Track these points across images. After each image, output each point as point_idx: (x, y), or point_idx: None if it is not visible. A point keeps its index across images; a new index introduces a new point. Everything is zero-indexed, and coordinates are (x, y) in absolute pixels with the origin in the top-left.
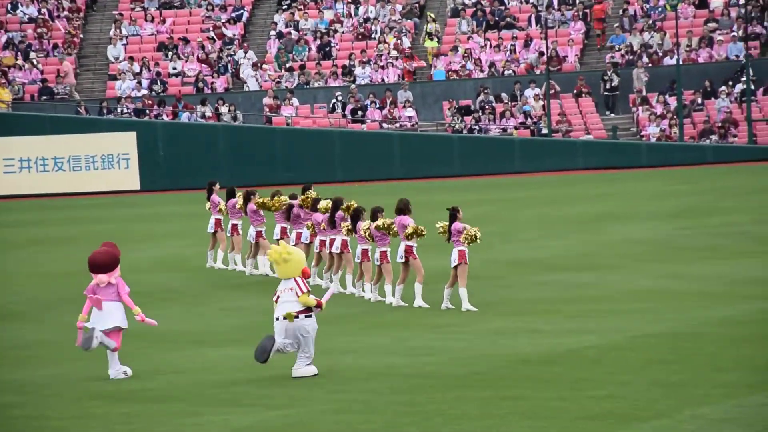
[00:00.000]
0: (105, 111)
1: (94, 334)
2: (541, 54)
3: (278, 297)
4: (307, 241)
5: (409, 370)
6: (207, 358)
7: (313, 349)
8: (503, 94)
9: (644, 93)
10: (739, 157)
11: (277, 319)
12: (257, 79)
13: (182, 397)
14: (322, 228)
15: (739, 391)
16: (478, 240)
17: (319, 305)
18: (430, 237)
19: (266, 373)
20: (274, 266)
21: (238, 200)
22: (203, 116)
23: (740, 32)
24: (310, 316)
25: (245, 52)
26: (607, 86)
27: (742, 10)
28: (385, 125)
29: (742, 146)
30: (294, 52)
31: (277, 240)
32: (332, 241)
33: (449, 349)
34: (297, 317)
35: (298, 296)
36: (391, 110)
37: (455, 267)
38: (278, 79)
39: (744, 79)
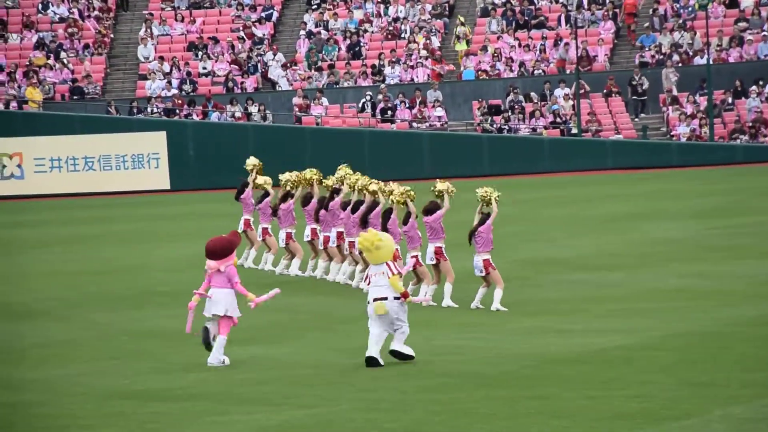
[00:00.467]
0: (135, 111)
1: (209, 330)
2: (567, 46)
3: (369, 280)
4: (335, 244)
5: (437, 369)
6: (235, 356)
7: (407, 328)
8: (533, 94)
9: (674, 92)
10: None
11: (369, 302)
12: (288, 79)
13: (210, 396)
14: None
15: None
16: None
17: (405, 295)
18: (456, 238)
19: (295, 372)
20: (365, 253)
21: (272, 199)
22: (233, 116)
23: None
24: (398, 298)
25: (274, 54)
26: (638, 90)
27: None
28: (414, 125)
29: None
30: (324, 52)
31: (309, 241)
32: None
33: (477, 349)
34: (386, 299)
35: (389, 278)
36: (421, 109)
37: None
38: (308, 79)
39: None
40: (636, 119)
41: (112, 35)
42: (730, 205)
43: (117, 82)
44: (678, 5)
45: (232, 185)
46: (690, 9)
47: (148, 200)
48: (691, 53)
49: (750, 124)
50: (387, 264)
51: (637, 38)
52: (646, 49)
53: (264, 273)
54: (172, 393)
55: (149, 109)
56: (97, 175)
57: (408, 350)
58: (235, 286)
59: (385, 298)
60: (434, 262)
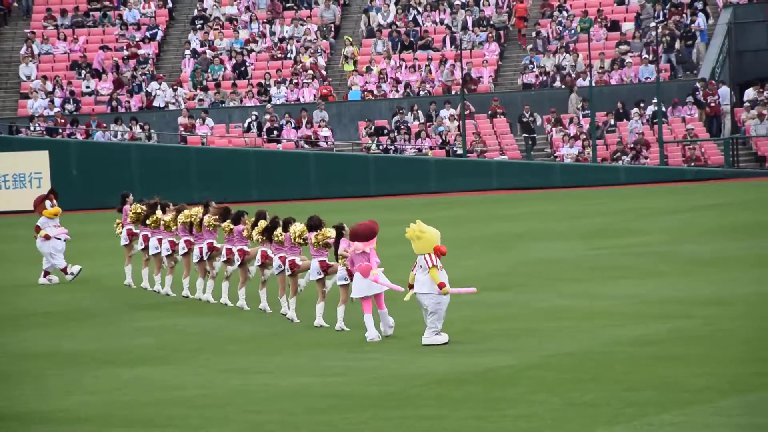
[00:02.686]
0: (16, 130)
1: (388, 322)
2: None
3: (415, 271)
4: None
5: (325, 390)
6: (119, 378)
7: (439, 323)
8: (419, 112)
9: (580, 116)
10: (651, 179)
11: (415, 293)
12: (174, 99)
13: (93, 419)
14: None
15: (649, 409)
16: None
17: (440, 286)
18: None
19: (181, 394)
20: (412, 242)
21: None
22: (117, 135)
23: (650, 56)
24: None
25: (159, 83)
26: (529, 126)
27: (653, 33)
28: (302, 143)
29: (654, 167)
30: (209, 71)
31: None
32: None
33: (364, 369)
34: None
35: (428, 270)
36: (316, 129)
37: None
38: (193, 98)
39: (655, 100)
40: (529, 144)
41: None
42: (613, 226)
43: None
44: (561, 28)
45: (116, 205)
46: (572, 31)
47: (30, 221)
48: (573, 75)
49: (631, 146)
50: (425, 256)
51: (527, 44)
52: (530, 69)
53: (149, 293)
54: (54, 415)
55: (31, 128)
56: None
57: (441, 339)
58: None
59: (424, 293)
60: (320, 277)
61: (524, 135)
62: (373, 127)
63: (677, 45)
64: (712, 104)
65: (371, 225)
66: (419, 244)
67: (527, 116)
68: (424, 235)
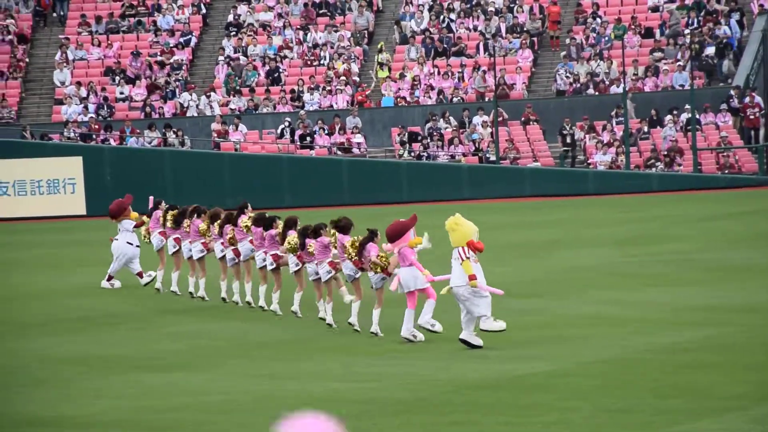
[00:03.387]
0: (49, 136)
1: (410, 327)
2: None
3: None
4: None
5: (356, 395)
6: (148, 383)
7: (478, 310)
8: (451, 118)
9: (635, 119)
10: (684, 186)
11: (451, 287)
12: (209, 105)
13: (121, 423)
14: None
15: (682, 417)
16: (380, 271)
17: (471, 278)
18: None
19: (209, 399)
20: (449, 234)
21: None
22: (150, 141)
23: (685, 62)
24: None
25: (190, 93)
26: (567, 140)
27: (687, 40)
28: (335, 150)
29: (687, 174)
30: (243, 77)
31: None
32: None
33: (396, 375)
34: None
35: (461, 263)
36: (349, 136)
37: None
38: (226, 105)
39: (689, 107)
40: (557, 160)
41: (27, 60)
42: (645, 233)
43: (32, 106)
44: (594, 35)
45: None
46: (606, 38)
47: (64, 226)
48: (607, 82)
49: (665, 153)
50: (460, 249)
51: (560, 50)
52: (565, 76)
53: (177, 297)
54: (83, 420)
55: (65, 134)
56: (11, 200)
57: (477, 341)
58: (414, 264)
59: (459, 285)
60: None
61: (564, 149)
62: (406, 134)
63: (708, 53)
64: (751, 117)
65: (394, 225)
66: (454, 236)
67: (567, 128)
68: (459, 228)
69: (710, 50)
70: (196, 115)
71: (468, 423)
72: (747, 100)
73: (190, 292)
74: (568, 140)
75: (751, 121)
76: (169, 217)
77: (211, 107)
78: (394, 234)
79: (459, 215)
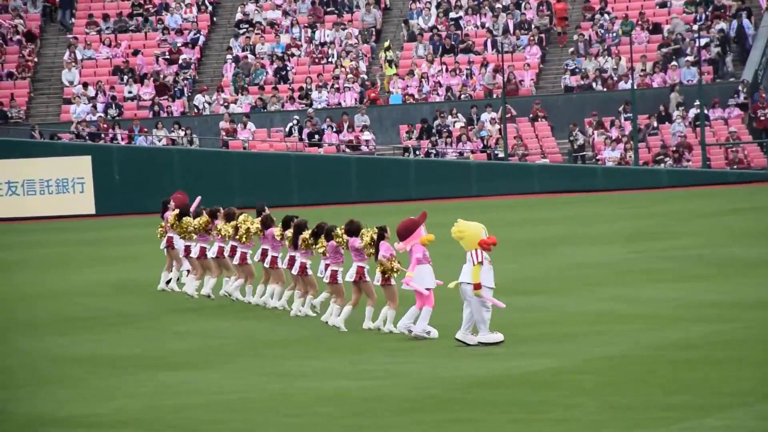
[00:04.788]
0: (59, 136)
1: (408, 323)
2: (496, 71)
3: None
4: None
5: (362, 393)
6: (160, 382)
7: (478, 316)
8: (460, 115)
9: (676, 111)
10: (693, 181)
11: (460, 283)
12: (217, 103)
13: (134, 423)
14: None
15: (689, 413)
16: (394, 274)
17: (476, 286)
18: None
19: (221, 398)
20: (459, 242)
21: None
22: (159, 140)
23: (693, 57)
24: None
25: (203, 95)
26: (574, 146)
27: (695, 36)
28: (342, 148)
29: (696, 170)
30: (251, 76)
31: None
32: (292, 261)
33: (402, 372)
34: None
35: (472, 266)
36: (357, 134)
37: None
38: (234, 103)
39: (697, 103)
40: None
41: (35, 59)
42: (654, 229)
43: (41, 106)
44: (602, 30)
45: (158, 210)
46: (614, 34)
47: (73, 225)
48: (615, 78)
49: (674, 149)
50: (473, 252)
51: (568, 46)
52: (571, 72)
53: (184, 297)
54: (95, 420)
55: (74, 133)
56: (20, 199)
57: (470, 339)
58: (413, 263)
59: (468, 282)
60: (352, 279)
61: (573, 154)
62: (415, 132)
63: (713, 49)
64: (762, 117)
65: (405, 223)
66: (464, 243)
67: (573, 134)
68: (464, 234)
69: (711, 45)
70: (207, 113)
71: (474, 420)
72: (758, 101)
73: (227, 293)
74: (575, 146)
75: (762, 122)
76: (197, 223)
77: (222, 104)
78: (405, 232)
79: (460, 221)
